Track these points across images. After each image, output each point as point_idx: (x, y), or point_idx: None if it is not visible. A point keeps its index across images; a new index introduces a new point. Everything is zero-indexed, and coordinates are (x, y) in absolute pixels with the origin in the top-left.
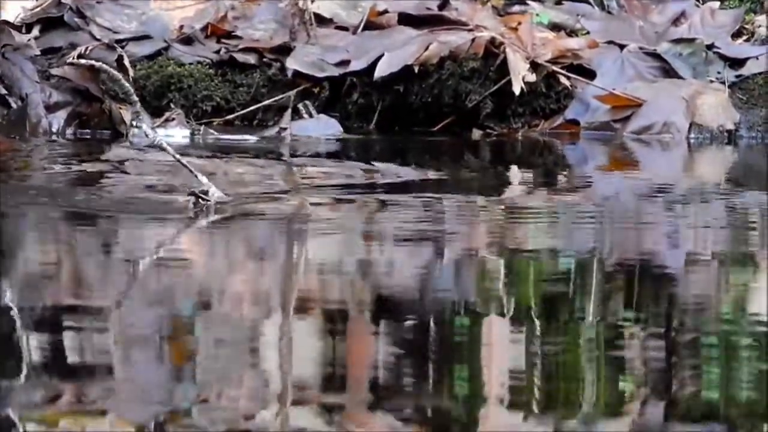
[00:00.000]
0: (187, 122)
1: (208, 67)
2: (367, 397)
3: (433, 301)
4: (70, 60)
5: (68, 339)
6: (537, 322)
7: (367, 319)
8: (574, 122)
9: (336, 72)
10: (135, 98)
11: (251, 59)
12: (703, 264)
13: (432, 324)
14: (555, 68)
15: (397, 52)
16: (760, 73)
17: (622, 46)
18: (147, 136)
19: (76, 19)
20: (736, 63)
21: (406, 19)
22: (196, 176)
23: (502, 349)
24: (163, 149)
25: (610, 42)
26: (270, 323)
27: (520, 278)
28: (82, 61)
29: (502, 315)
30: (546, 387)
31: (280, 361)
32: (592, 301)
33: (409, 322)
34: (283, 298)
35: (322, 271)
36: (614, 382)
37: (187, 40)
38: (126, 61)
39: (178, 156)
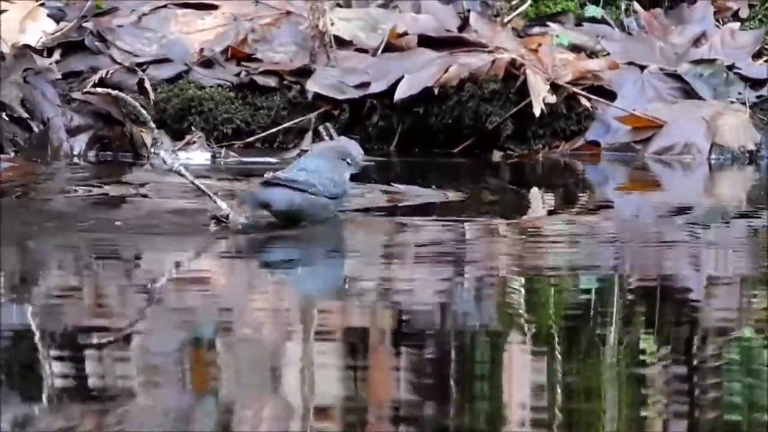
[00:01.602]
0: (208, 145)
1: (228, 90)
2: None
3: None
4: (87, 89)
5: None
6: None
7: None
8: (595, 143)
9: (356, 94)
10: (153, 125)
11: (271, 82)
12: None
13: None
14: (575, 89)
15: (417, 74)
16: None
17: (642, 67)
18: (165, 162)
19: (97, 43)
20: (756, 83)
21: (426, 41)
22: (215, 202)
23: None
24: (181, 175)
25: (630, 63)
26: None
27: (543, 304)
28: (99, 90)
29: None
30: None
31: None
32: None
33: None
34: (307, 321)
35: (345, 294)
36: None
37: (208, 63)
38: (147, 85)
39: (197, 182)
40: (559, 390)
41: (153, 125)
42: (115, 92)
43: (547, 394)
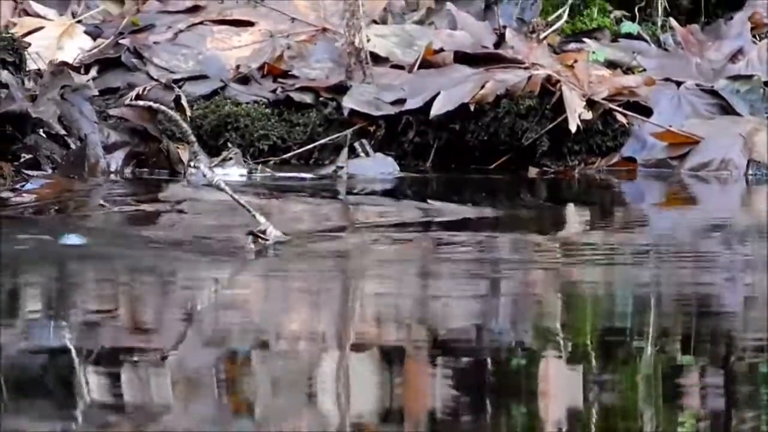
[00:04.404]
0: (244, 161)
1: (264, 106)
2: None
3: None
4: (128, 102)
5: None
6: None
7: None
8: (631, 160)
9: (392, 110)
10: (193, 139)
11: (307, 98)
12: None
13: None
14: (611, 106)
15: (453, 90)
16: None
17: (678, 83)
18: (205, 176)
19: (134, 60)
20: None
21: (462, 58)
22: (254, 216)
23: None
24: (221, 190)
25: (666, 79)
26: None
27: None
28: (140, 102)
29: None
30: None
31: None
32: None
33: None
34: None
35: (383, 310)
36: None
37: (244, 80)
38: (184, 101)
39: (235, 196)
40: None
41: (193, 138)
42: (156, 105)
43: None
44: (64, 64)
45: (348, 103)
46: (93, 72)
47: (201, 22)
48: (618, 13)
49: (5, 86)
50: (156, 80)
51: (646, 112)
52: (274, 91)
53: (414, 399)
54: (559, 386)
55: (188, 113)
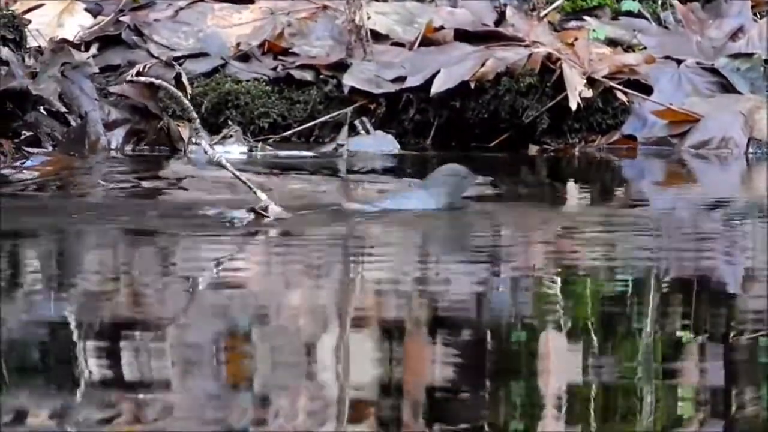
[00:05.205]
0: (245, 139)
1: (265, 84)
2: None
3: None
4: (129, 78)
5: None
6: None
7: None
8: (631, 137)
9: (392, 88)
10: (194, 115)
11: (308, 76)
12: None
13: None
14: (612, 84)
15: (453, 68)
16: None
17: (679, 61)
18: (206, 153)
19: (134, 37)
20: None
21: (462, 36)
22: (255, 193)
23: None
24: (222, 166)
25: (667, 57)
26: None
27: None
28: (142, 78)
29: None
30: None
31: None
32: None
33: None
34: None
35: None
36: None
37: (244, 57)
38: (184, 79)
39: (237, 173)
40: None
41: (195, 115)
42: (158, 81)
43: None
44: (65, 41)
45: (348, 80)
46: (93, 49)
47: (201, 0)
48: None
49: (6, 63)
50: (156, 58)
51: (647, 90)
52: (274, 69)
53: None
54: None
55: (189, 91)
